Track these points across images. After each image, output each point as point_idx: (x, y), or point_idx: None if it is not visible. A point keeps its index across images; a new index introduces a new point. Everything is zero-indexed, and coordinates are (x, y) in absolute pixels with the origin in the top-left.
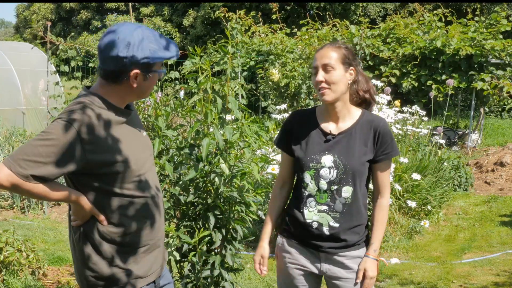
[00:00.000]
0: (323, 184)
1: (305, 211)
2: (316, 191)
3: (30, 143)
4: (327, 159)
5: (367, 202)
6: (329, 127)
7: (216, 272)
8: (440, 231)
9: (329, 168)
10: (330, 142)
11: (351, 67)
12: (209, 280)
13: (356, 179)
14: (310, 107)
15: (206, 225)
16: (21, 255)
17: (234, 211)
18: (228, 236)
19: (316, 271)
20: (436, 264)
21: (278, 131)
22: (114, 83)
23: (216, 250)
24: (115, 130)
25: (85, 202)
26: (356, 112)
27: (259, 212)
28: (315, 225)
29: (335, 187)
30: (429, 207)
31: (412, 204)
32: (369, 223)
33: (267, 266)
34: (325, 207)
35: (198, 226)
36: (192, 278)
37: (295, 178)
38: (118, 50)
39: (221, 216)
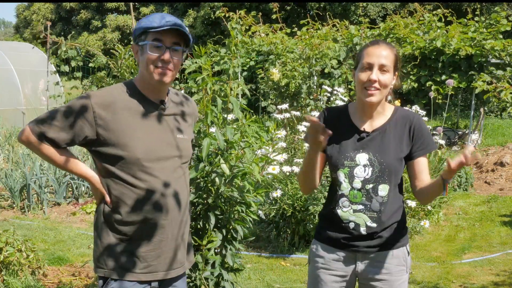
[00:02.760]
0: (357, 183)
1: (339, 211)
2: (349, 190)
3: (54, 108)
4: (362, 157)
5: (402, 199)
6: (363, 124)
7: (216, 272)
8: (440, 231)
9: (364, 166)
10: (364, 140)
11: (397, 71)
12: (209, 280)
13: (392, 176)
14: (310, 107)
15: (207, 225)
16: (21, 255)
17: (234, 211)
18: (229, 236)
19: (350, 273)
20: (436, 264)
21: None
22: (139, 67)
23: (216, 250)
24: (133, 117)
25: (95, 180)
26: (389, 109)
27: (259, 212)
28: (351, 225)
29: (371, 185)
30: (429, 207)
31: (412, 204)
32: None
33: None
34: (360, 207)
35: (199, 226)
36: (193, 278)
37: (329, 179)
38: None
39: (221, 216)
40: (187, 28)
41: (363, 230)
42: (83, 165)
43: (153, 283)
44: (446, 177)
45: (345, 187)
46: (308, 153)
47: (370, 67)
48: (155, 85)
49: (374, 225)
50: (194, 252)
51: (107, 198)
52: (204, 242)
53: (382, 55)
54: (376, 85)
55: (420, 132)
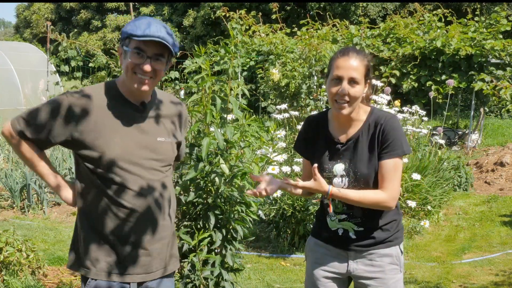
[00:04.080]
0: None
1: (328, 220)
2: (331, 200)
3: (35, 106)
4: (339, 168)
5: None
6: (339, 133)
7: (216, 272)
8: (440, 231)
9: (341, 176)
10: (340, 151)
11: (368, 80)
12: (209, 280)
13: (370, 183)
14: (310, 107)
15: (207, 225)
16: (21, 255)
17: (234, 211)
18: (228, 236)
19: (343, 272)
20: (436, 264)
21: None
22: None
23: (216, 250)
24: (110, 118)
25: (64, 195)
26: (363, 114)
27: (259, 212)
28: (340, 232)
29: None
30: (429, 207)
31: (412, 204)
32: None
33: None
34: (344, 216)
35: (199, 226)
36: (192, 278)
37: None
38: None
39: (221, 216)
40: (171, 38)
41: (352, 235)
42: (53, 175)
43: (132, 285)
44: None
45: (327, 198)
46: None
47: (340, 79)
48: (135, 91)
49: (361, 229)
50: (189, 253)
51: (75, 205)
52: (194, 243)
53: (352, 67)
54: (346, 98)
55: (388, 135)
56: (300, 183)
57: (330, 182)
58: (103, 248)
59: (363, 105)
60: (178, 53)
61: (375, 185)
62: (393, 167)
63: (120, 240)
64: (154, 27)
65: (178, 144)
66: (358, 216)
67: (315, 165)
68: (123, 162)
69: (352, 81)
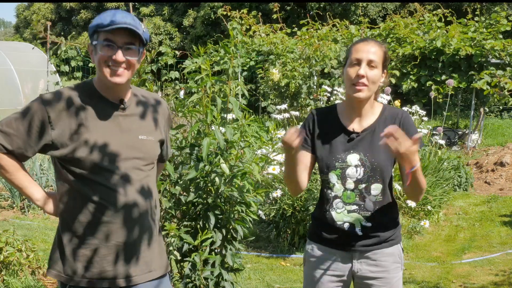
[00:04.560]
0: (350, 184)
1: (333, 213)
2: (343, 191)
3: (8, 116)
4: (353, 158)
5: (394, 197)
6: (352, 125)
7: (216, 272)
8: (440, 231)
9: (356, 166)
10: (354, 141)
11: (385, 70)
12: (209, 280)
13: (385, 175)
14: (310, 107)
15: (207, 225)
16: (21, 255)
17: (234, 211)
18: (228, 236)
19: (347, 273)
20: (436, 264)
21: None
22: None
23: (216, 250)
24: (88, 118)
25: (49, 208)
26: (377, 107)
27: (259, 212)
28: (346, 226)
29: (363, 185)
30: (429, 207)
31: (412, 204)
32: (399, 217)
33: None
34: (354, 207)
35: (199, 226)
36: (193, 278)
37: (319, 181)
38: None
39: (221, 216)
40: (141, 26)
41: (358, 230)
42: (35, 188)
43: None
44: (404, 166)
45: (338, 188)
46: (285, 154)
47: (358, 62)
48: (110, 86)
49: (369, 224)
50: (189, 253)
51: (57, 215)
52: (196, 243)
53: (371, 51)
54: (364, 80)
55: (408, 129)
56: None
57: (343, 172)
58: (85, 252)
59: (376, 102)
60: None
61: (390, 176)
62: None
63: (103, 243)
64: (120, 15)
65: (161, 142)
66: (370, 209)
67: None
68: (105, 162)
69: (371, 64)
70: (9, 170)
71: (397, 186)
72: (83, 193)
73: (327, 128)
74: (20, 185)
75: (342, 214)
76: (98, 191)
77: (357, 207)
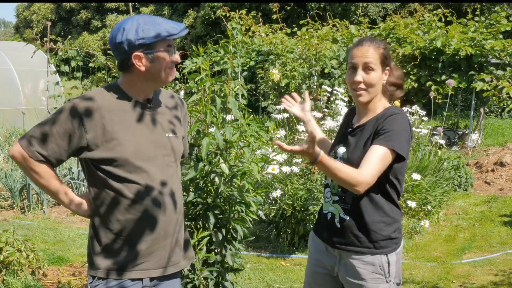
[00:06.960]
0: None
1: (323, 202)
2: (331, 180)
3: (41, 122)
4: (341, 150)
5: (396, 200)
6: (354, 121)
7: (216, 272)
8: (440, 231)
9: (340, 159)
10: (348, 135)
11: (387, 67)
12: (209, 280)
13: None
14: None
15: (206, 225)
16: (21, 255)
17: (234, 211)
18: (228, 236)
19: (331, 270)
20: (436, 264)
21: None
22: (127, 72)
23: (216, 250)
24: (120, 118)
25: (82, 211)
26: (380, 108)
27: (259, 212)
28: (329, 216)
29: None
30: (429, 207)
31: (412, 204)
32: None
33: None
34: (337, 198)
35: (198, 226)
36: (192, 278)
37: (319, 181)
38: (116, 38)
39: (221, 216)
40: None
41: (337, 222)
42: (66, 192)
43: (144, 280)
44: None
45: (329, 177)
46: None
47: (354, 68)
48: (160, 85)
49: (347, 217)
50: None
51: (89, 216)
52: (193, 242)
53: (365, 54)
54: (362, 85)
55: (387, 124)
56: (295, 147)
57: None
58: (119, 247)
59: (385, 101)
60: (182, 31)
61: (381, 181)
62: (379, 155)
63: (137, 238)
64: (164, 21)
65: (182, 139)
66: (348, 202)
67: (311, 130)
68: (138, 161)
69: (367, 68)
70: (44, 177)
71: None
72: (118, 192)
73: (344, 122)
74: (55, 191)
75: (328, 204)
76: (132, 189)
77: (339, 198)
